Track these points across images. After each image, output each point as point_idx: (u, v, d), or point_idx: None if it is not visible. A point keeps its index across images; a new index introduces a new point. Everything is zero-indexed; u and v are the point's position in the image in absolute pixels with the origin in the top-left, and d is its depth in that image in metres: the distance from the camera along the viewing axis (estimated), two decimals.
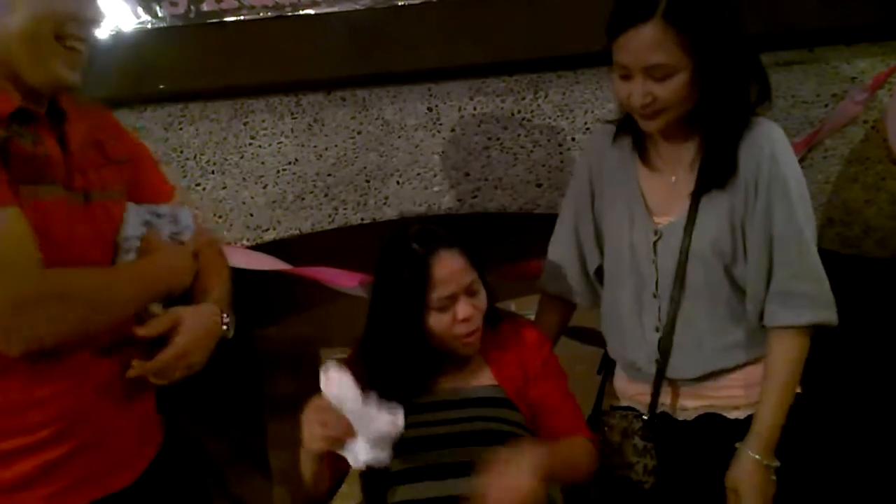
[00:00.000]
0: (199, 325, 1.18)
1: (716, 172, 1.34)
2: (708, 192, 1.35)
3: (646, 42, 1.24)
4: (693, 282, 1.37)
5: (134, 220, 1.20)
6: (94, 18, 1.10)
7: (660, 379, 1.40)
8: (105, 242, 1.16)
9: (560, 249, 1.57)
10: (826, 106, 1.73)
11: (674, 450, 1.41)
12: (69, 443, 1.08)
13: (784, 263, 1.33)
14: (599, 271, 1.52)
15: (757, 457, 1.31)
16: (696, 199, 1.36)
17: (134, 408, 1.19)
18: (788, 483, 1.37)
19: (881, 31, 1.69)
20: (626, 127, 1.43)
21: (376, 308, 1.43)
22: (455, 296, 1.37)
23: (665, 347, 1.39)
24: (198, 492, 1.32)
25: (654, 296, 1.40)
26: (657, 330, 1.41)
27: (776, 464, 1.32)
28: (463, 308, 1.37)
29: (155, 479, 1.20)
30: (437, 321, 1.38)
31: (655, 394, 1.41)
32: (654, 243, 1.39)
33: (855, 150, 1.73)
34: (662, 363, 1.40)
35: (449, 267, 1.36)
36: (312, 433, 1.28)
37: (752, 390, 1.38)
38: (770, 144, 1.32)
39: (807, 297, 1.32)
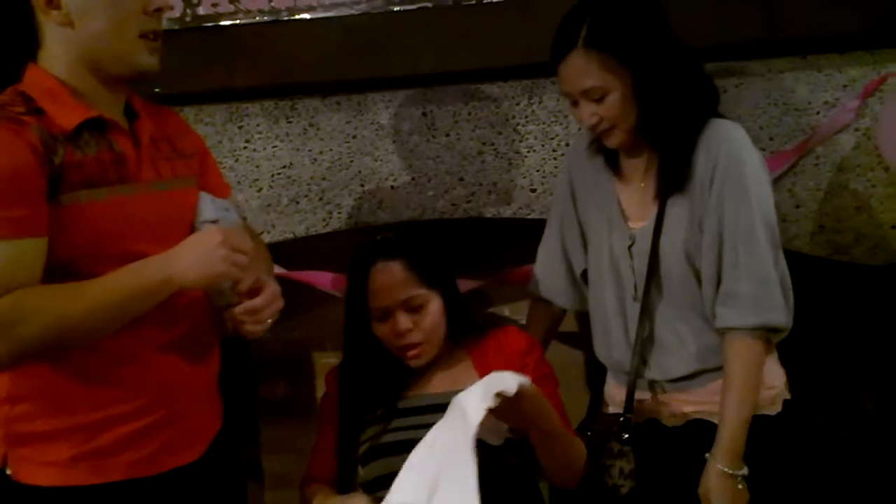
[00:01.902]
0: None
1: (672, 177, 1.38)
2: (671, 195, 1.38)
3: (574, 70, 1.35)
4: (668, 284, 1.39)
5: (209, 205, 1.27)
6: (168, 5, 1.19)
7: (635, 379, 1.41)
8: (181, 226, 1.24)
9: (547, 253, 1.59)
10: (818, 113, 1.74)
11: (660, 456, 1.41)
12: (150, 416, 1.18)
13: (732, 264, 1.34)
14: (586, 274, 1.54)
15: (725, 469, 1.32)
16: (662, 203, 1.39)
17: (205, 386, 1.28)
18: (779, 488, 1.37)
19: (873, 39, 1.70)
20: (598, 143, 1.47)
21: (345, 315, 1.48)
22: (390, 309, 1.38)
23: (646, 349, 1.41)
24: (242, 474, 1.42)
25: (635, 299, 1.42)
26: (638, 331, 1.42)
27: (744, 471, 1.33)
28: (394, 323, 1.38)
29: (215, 455, 1.28)
30: (378, 330, 1.41)
31: (630, 393, 1.42)
32: (629, 248, 1.41)
33: (846, 158, 1.75)
34: (640, 364, 1.41)
35: (382, 280, 1.39)
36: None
37: None
38: (728, 144, 1.35)
39: (752, 299, 1.33)
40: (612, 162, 1.47)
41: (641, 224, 1.42)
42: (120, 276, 1.11)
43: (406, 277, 1.39)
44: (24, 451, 1.15)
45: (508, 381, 1.16)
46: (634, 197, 1.44)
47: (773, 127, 1.75)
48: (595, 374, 1.63)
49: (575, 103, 1.39)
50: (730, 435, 1.33)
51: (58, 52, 1.15)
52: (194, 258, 1.12)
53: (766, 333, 1.36)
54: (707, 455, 1.35)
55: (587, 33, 1.33)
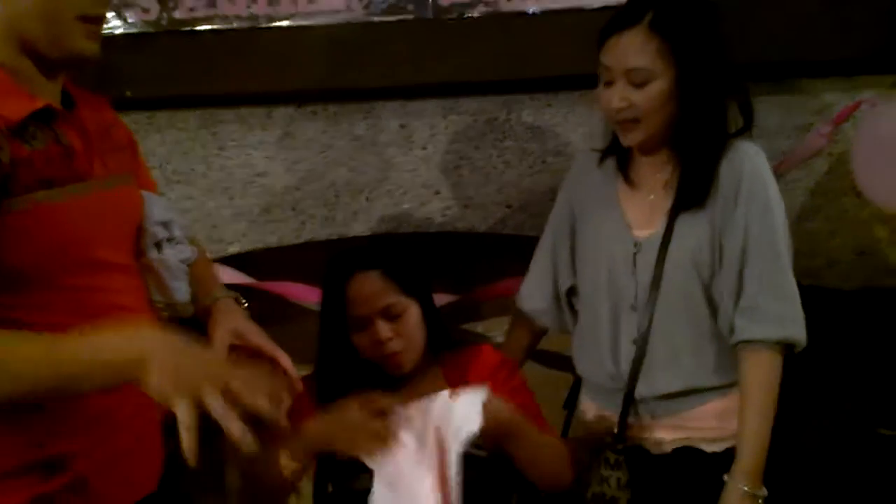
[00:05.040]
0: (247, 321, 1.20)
1: (693, 192, 1.36)
2: (686, 210, 1.37)
3: (629, 45, 1.32)
4: (671, 295, 1.37)
5: (157, 205, 1.20)
6: None
7: (633, 389, 1.39)
8: (132, 229, 1.15)
9: (537, 270, 1.57)
10: (789, 138, 1.76)
11: (650, 484, 1.40)
12: (109, 446, 1.07)
13: (755, 277, 1.34)
14: (570, 293, 1.52)
15: (745, 488, 1.30)
16: (673, 214, 1.38)
17: (155, 408, 1.16)
18: None
19: (848, 66, 1.73)
20: (612, 149, 1.45)
21: (320, 325, 1.46)
22: (370, 317, 1.38)
23: (640, 357, 1.38)
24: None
25: (633, 308, 1.40)
26: (634, 342, 1.40)
27: (764, 493, 1.31)
28: (374, 332, 1.37)
29: (166, 486, 1.19)
30: (358, 340, 1.40)
31: (626, 402, 1.39)
32: (634, 255, 1.40)
33: (819, 182, 1.76)
34: (635, 373, 1.39)
35: (361, 289, 1.38)
36: (353, 432, 1.24)
37: (728, 423, 1.37)
38: (752, 163, 1.36)
39: (775, 314, 1.33)
40: (623, 167, 1.45)
41: (648, 233, 1.40)
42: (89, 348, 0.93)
43: (384, 286, 1.38)
44: None
45: (472, 418, 1.17)
46: (640, 206, 1.42)
47: None
48: (571, 401, 1.62)
49: (609, 83, 1.34)
50: (751, 452, 1.30)
51: None
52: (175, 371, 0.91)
53: (783, 349, 1.34)
54: (725, 476, 1.32)
55: (653, 17, 1.31)
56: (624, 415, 1.40)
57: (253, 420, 0.94)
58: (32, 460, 1.02)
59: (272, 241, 1.85)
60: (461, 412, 1.21)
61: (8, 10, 1.01)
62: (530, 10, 1.73)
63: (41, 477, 1.02)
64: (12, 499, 1.01)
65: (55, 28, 1.02)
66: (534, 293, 1.56)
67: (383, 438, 1.23)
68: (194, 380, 0.89)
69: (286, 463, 1.30)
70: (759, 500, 1.31)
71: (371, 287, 1.38)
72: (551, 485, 1.37)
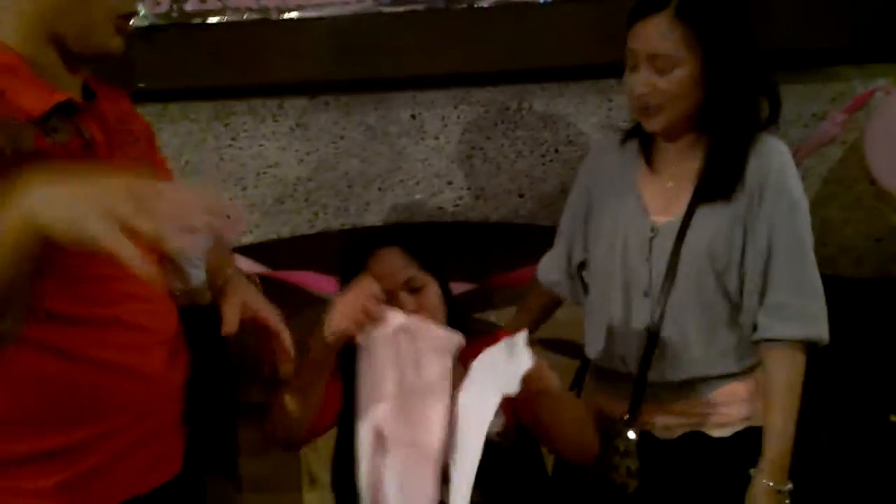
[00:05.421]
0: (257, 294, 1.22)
1: (719, 184, 1.36)
2: (708, 200, 1.36)
3: (654, 31, 1.32)
4: (684, 283, 1.37)
5: None
6: None
7: (645, 374, 1.39)
8: None
9: (556, 246, 1.59)
10: (806, 126, 1.75)
11: (658, 469, 1.40)
12: (138, 428, 1.08)
13: (780, 274, 1.34)
14: (581, 267, 1.54)
15: (772, 484, 1.32)
16: (694, 202, 1.38)
17: (179, 391, 1.19)
18: None
19: (863, 54, 1.71)
20: (635, 132, 1.46)
21: None
22: (393, 292, 1.37)
23: (652, 344, 1.39)
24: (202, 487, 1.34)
25: (646, 294, 1.40)
26: (646, 329, 1.40)
27: (789, 487, 1.33)
28: (399, 304, 1.36)
29: (190, 467, 1.21)
30: None
31: (638, 392, 1.39)
32: (651, 240, 1.40)
33: (833, 170, 1.75)
34: (647, 360, 1.39)
35: (382, 264, 1.39)
36: (348, 307, 1.25)
37: (735, 408, 1.38)
38: (779, 158, 1.36)
39: (801, 311, 1.33)
40: (646, 151, 1.45)
41: (666, 219, 1.40)
42: None
43: (406, 260, 1.39)
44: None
45: (522, 359, 1.17)
46: (659, 192, 1.42)
47: None
48: (578, 382, 1.62)
49: (633, 68, 1.35)
50: (776, 449, 1.32)
51: (10, 20, 1.02)
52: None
53: (806, 347, 1.35)
54: (752, 471, 1.34)
55: (679, 4, 1.32)
56: (635, 402, 1.40)
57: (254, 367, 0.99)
58: (56, 446, 1.03)
59: (285, 231, 1.85)
60: (508, 355, 1.20)
61: (39, 5, 1.02)
62: (541, 0, 1.73)
63: (65, 463, 1.03)
64: (37, 484, 1.02)
65: (88, 26, 1.04)
66: (552, 266, 1.59)
67: (371, 314, 1.25)
68: (99, 214, 0.81)
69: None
70: (785, 495, 1.32)
71: (392, 261, 1.39)
72: (577, 452, 1.37)
